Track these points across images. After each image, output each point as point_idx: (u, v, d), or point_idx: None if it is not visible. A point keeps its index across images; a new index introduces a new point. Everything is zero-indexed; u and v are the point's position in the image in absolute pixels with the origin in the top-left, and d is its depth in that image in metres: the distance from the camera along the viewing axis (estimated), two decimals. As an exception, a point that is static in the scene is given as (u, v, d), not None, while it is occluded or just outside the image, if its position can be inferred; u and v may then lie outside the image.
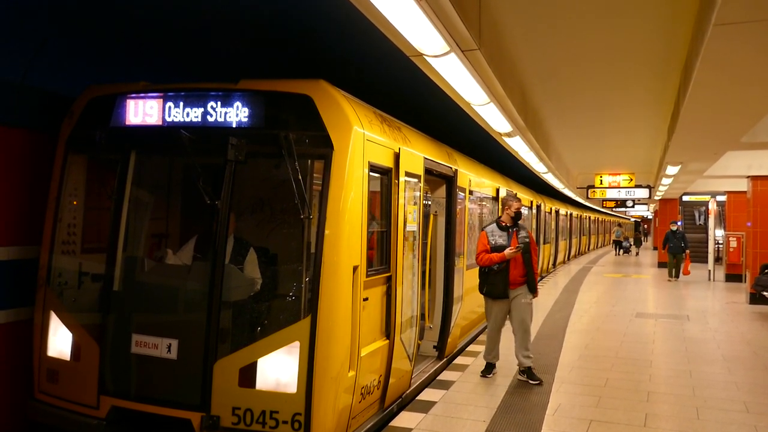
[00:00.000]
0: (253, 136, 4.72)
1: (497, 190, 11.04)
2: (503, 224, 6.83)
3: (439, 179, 7.48)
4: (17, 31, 5.12)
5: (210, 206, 4.76)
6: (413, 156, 5.97)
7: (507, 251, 6.57)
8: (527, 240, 6.80)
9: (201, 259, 5.08)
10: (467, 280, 8.35)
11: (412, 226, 5.99)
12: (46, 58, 5.38)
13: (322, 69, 6.96)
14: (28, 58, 5.25)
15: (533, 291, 6.80)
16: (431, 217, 7.54)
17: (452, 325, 7.57)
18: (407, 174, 5.77)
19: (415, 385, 6.33)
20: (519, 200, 6.98)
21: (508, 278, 6.67)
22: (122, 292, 4.96)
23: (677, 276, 18.74)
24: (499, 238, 6.75)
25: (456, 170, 7.70)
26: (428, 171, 6.54)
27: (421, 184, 6.21)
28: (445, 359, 7.48)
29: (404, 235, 5.79)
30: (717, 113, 7.19)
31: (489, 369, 7.00)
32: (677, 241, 18.67)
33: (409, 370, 6.07)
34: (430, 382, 6.76)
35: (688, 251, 18.98)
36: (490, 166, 11.84)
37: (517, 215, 6.83)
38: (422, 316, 6.86)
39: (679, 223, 20.94)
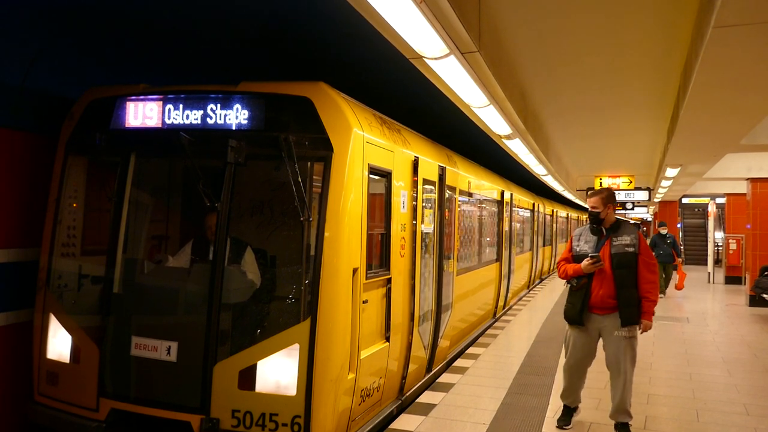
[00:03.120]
0: (253, 139, 4.72)
1: (502, 193, 11.05)
2: (596, 227, 5.30)
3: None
4: (18, 33, 5.11)
5: (210, 208, 4.77)
6: (430, 164, 6.29)
7: (584, 263, 5.07)
8: (631, 249, 5.06)
9: (200, 261, 5.08)
10: (458, 286, 8.22)
11: (428, 228, 6.10)
12: (46, 60, 5.38)
13: (322, 71, 6.97)
14: (28, 60, 5.24)
15: (628, 321, 4.99)
16: None
17: (441, 335, 7.12)
18: (424, 181, 6.11)
19: (415, 387, 6.33)
20: (596, 197, 5.24)
21: (588, 299, 5.08)
22: (122, 294, 4.96)
23: (665, 288, 15.48)
24: (585, 243, 5.22)
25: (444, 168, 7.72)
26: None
27: (437, 190, 6.31)
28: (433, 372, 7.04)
29: (422, 237, 6.07)
30: (716, 115, 7.20)
31: (566, 415, 5.44)
32: (667, 248, 15.32)
33: (425, 358, 6.33)
34: (429, 384, 6.75)
35: (680, 260, 16.02)
36: (490, 168, 11.85)
37: (591, 216, 5.25)
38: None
39: (678, 226, 20.66)
